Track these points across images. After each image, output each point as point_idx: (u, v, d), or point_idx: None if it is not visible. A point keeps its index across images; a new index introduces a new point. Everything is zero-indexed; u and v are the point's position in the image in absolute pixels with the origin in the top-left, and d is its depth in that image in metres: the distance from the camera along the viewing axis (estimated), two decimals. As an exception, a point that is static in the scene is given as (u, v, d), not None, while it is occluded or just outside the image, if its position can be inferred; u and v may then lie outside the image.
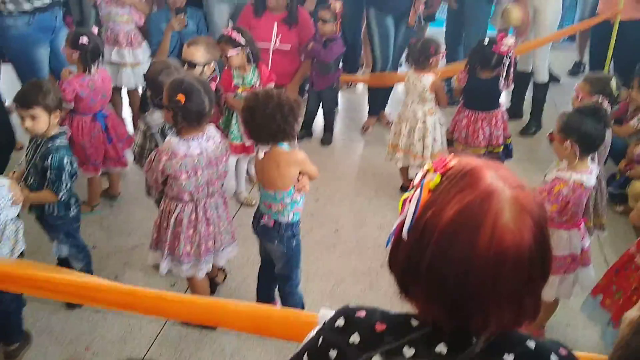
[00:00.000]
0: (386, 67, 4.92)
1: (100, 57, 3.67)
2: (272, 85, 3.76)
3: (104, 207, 3.99)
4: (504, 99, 4.03)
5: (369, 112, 5.30)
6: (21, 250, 2.66)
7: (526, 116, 5.23)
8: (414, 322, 0.99)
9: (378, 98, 5.25)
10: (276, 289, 3.00)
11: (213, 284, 3.19)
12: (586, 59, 5.94)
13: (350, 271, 3.42)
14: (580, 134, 2.52)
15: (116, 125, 3.87)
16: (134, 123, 4.85)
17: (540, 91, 5.07)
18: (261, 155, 2.56)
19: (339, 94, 5.27)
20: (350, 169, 4.64)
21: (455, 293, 0.89)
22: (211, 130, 2.70)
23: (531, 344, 0.97)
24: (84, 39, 3.48)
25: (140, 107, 4.80)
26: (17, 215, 2.63)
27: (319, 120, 5.07)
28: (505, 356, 0.94)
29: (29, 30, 3.92)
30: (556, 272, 2.67)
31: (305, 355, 1.05)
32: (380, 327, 1.00)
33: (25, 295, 2.75)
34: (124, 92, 4.90)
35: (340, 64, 4.92)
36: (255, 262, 3.05)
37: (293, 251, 2.77)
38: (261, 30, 4.29)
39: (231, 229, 2.94)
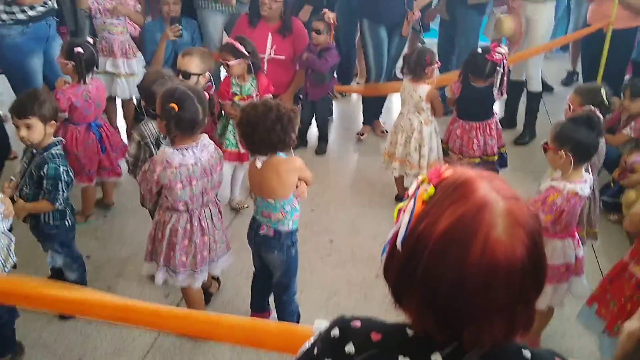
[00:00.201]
0: (380, 78, 4.94)
1: (95, 67, 3.68)
2: (269, 96, 3.77)
3: (98, 217, 3.98)
4: (498, 108, 4.05)
5: (363, 122, 5.31)
6: (13, 264, 2.65)
7: (520, 126, 5.25)
8: (410, 332, 0.99)
9: (372, 107, 5.26)
10: (269, 299, 2.99)
11: (207, 294, 3.17)
12: (579, 68, 5.97)
13: (345, 281, 3.41)
14: (575, 143, 2.54)
15: (110, 135, 3.86)
16: (128, 133, 4.84)
17: (534, 101, 5.09)
18: (259, 164, 2.56)
19: (333, 104, 5.28)
20: (344, 178, 4.65)
21: (447, 305, 0.89)
22: (205, 140, 2.70)
23: (527, 354, 0.97)
24: (78, 49, 3.49)
25: (135, 117, 4.81)
26: (9, 229, 2.61)
27: (313, 130, 5.08)
28: None
29: (23, 40, 3.92)
30: (550, 281, 2.67)
31: None
32: (375, 337, 1.00)
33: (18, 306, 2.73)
34: (118, 102, 4.89)
35: (335, 74, 4.94)
36: (249, 273, 3.04)
37: (293, 259, 2.77)
38: (256, 40, 4.28)
39: (226, 239, 2.93)
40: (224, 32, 5.07)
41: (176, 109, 2.49)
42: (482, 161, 3.89)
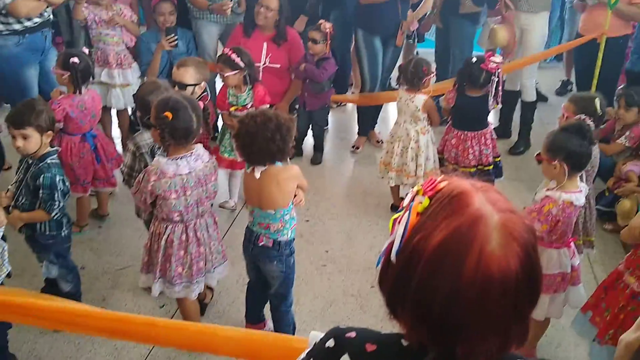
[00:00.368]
0: (375, 88, 4.96)
1: (91, 77, 3.68)
2: (265, 106, 3.78)
3: (93, 227, 3.96)
4: (492, 118, 4.07)
5: (358, 132, 5.32)
6: (7, 272, 2.63)
7: (514, 135, 5.27)
8: (405, 343, 0.98)
9: (367, 117, 5.28)
10: (264, 310, 2.98)
11: (202, 304, 3.16)
12: (573, 78, 6.00)
13: (340, 292, 3.40)
14: (567, 152, 2.55)
15: (105, 145, 3.85)
16: (123, 144, 4.84)
17: (528, 110, 5.11)
18: (257, 175, 2.56)
19: (329, 114, 5.28)
20: (340, 188, 4.65)
21: (441, 317, 0.88)
22: (199, 149, 2.70)
23: (522, 365, 0.97)
24: (74, 60, 3.48)
25: (130, 128, 4.80)
26: (3, 238, 2.60)
27: (308, 140, 5.08)
28: None
29: (18, 51, 3.92)
30: (546, 291, 2.67)
31: None
32: (370, 347, 0.99)
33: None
34: (113, 113, 4.89)
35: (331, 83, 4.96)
36: (244, 283, 3.03)
37: (291, 269, 2.78)
38: (251, 49, 4.30)
39: (222, 249, 2.93)
40: (219, 42, 5.09)
41: (170, 117, 2.49)
42: (478, 171, 3.90)
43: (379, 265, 0.98)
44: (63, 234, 2.98)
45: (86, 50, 3.73)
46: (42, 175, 2.80)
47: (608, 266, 3.48)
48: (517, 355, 0.98)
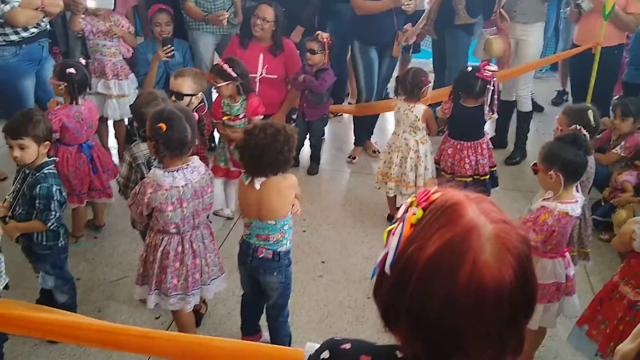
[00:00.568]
0: (371, 98, 4.97)
1: (88, 88, 3.68)
2: (259, 118, 3.79)
3: (88, 238, 3.95)
4: (489, 128, 4.08)
5: (355, 143, 5.33)
6: (5, 283, 2.62)
7: (510, 145, 5.28)
8: (399, 354, 0.98)
9: (364, 127, 5.29)
10: (259, 321, 2.97)
11: (197, 315, 3.15)
12: (569, 88, 6.03)
13: (337, 303, 3.39)
14: (563, 162, 2.56)
15: (101, 155, 3.85)
16: (119, 154, 4.84)
17: (524, 120, 5.13)
18: (258, 186, 2.56)
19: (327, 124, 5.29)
20: (336, 198, 4.64)
21: (435, 329, 0.88)
22: (195, 161, 2.70)
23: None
24: (70, 70, 3.49)
25: (126, 139, 4.80)
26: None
27: (305, 150, 5.09)
28: None
29: (15, 61, 3.92)
30: (540, 300, 2.67)
31: None
32: (365, 359, 0.99)
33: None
34: (110, 123, 4.89)
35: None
36: (240, 295, 3.02)
37: (290, 279, 2.79)
38: (247, 60, 4.32)
39: (218, 261, 2.92)
40: (215, 53, 5.10)
41: (164, 129, 2.50)
42: (474, 180, 3.90)
43: (374, 278, 0.98)
44: (60, 244, 2.97)
45: (83, 61, 3.73)
46: (39, 186, 2.80)
47: (605, 276, 3.48)
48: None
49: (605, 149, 4.24)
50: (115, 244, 3.90)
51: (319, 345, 1.07)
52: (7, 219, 2.89)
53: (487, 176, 3.94)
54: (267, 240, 2.66)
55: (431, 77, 4.09)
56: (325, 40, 4.51)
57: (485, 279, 0.85)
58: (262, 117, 3.88)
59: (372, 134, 5.40)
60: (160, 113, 2.56)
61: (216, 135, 4.22)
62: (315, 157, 5.03)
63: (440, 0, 4.99)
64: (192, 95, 3.53)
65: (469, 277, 0.85)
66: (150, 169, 2.83)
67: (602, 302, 2.63)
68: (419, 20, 5.07)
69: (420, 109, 3.93)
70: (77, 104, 3.59)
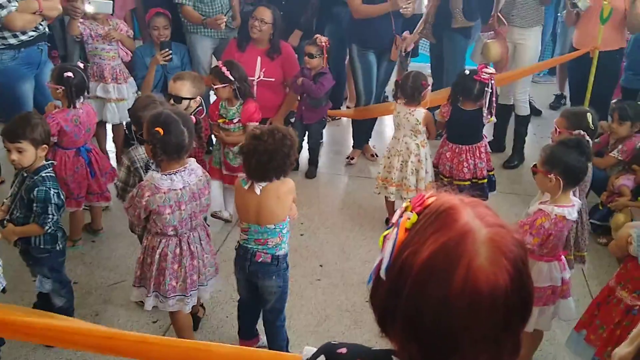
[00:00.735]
0: (370, 102, 4.98)
1: (86, 92, 3.68)
2: (253, 124, 3.78)
3: (86, 242, 3.94)
4: (486, 132, 4.09)
5: (353, 146, 5.33)
6: (2, 287, 2.62)
7: (508, 149, 5.29)
8: (396, 359, 0.98)
9: (362, 131, 5.29)
10: (256, 325, 2.97)
11: (195, 318, 3.14)
12: (567, 91, 6.05)
13: (335, 307, 3.38)
14: (565, 166, 2.56)
15: (99, 159, 3.85)
16: (117, 158, 4.84)
17: (522, 124, 5.14)
18: (258, 191, 2.56)
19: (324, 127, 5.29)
20: (334, 202, 4.64)
21: (431, 334, 0.88)
22: (193, 164, 2.70)
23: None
24: (68, 74, 3.49)
25: (125, 142, 4.80)
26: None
27: (303, 154, 5.09)
28: None
29: (14, 65, 3.92)
30: (536, 303, 2.66)
31: None
32: None
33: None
34: (109, 127, 4.89)
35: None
36: (237, 299, 3.02)
37: (287, 283, 2.79)
38: (245, 64, 4.34)
39: (215, 262, 2.92)
40: (213, 56, 5.10)
41: (162, 133, 2.50)
42: (472, 184, 3.90)
43: (370, 283, 0.98)
44: (58, 247, 2.97)
45: (81, 64, 3.73)
46: (36, 189, 2.80)
47: (603, 280, 3.47)
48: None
49: (603, 153, 4.25)
50: (113, 248, 3.89)
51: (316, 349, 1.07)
52: (4, 222, 2.89)
53: (485, 180, 3.95)
54: (265, 245, 2.66)
55: (429, 80, 4.09)
56: (323, 44, 4.52)
57: (479, 282, 0.85)
58: (257, 123, 3.87)
59: (370, 137, 5.40)
60: (157, 117, 2.56)
61: (214, 137, 4.22)
62: (313, 161, 5.03)
63: (437, 4, 5.01)
64: (190, 98, 3.54)
65: (463, 281, 0.85)
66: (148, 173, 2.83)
67: (600, 307, 2.63)
68: (417, 26, 5.08)
69: (421, 112, 3.93)
70: (75, 107, 3.59)
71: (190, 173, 2.66)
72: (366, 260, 3.80)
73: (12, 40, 3.85)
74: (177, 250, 2.71)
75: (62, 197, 2.91)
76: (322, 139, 5.32)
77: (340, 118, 6.10)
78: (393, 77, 5.20)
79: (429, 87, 4.01)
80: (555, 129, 3.23)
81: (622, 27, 4.63)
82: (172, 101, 3.45)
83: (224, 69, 3.75)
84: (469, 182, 3.91)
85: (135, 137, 3.10)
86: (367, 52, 4.82)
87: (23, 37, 3.90)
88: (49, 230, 2.86)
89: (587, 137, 3.03)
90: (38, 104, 4.08)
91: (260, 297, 2.80)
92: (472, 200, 0.94)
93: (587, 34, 4.67)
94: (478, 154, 3.90)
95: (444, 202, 0.93)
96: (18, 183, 2.91)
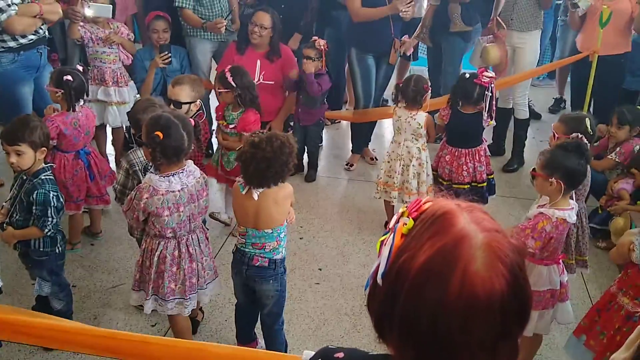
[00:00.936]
0: (369, 105, 4.98)
1: (85, 95, 3.68)
2: (247, 134, 3.76)
3: (85, 245, 3.93)
4: (486, 136, 4.09)
5: (352, 150, 5.33)
6: (-2, 289, 2.63)
7: (508, 153, 5.29)
8: None
9: (361, 135, 5.29)
10: (254, 329, 2.97)
11: (194, 322, 3.14)
12: (567, 95, 6.05)
13: (334, 311, 3.38)
14: (565, 170, 2.56)
15: (99, 162, 3.85)
16: (116, 161, 4.83)
17: (521, 128, 5.14)
18: (256, 196, 2.56)
19: (323, 131, 5.30)
20: (334, 206, 4.64)
21: (427, 339, 0.88)
22: (191, 166, 2.70)
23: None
24: (67, 77, 3.49)
25: (124, 146, 4.80)
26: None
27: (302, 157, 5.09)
28: None
29: (13, 68, 3.92)
30: (535, 307, 2.67)
31: None
32: None
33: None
34: (109, 130, 4.89)
35: (325, 100, 4.97)
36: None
37: (285, 287, 2.79)
38: (244, 67, 4.34)
39: (213, 265, 2.92)
40: (213, 60, 5.11)
41: (161, 137, 2.50)
42: (471, 188, 3.90)
43: (367, 289, 0.98)
44: (57, 250, 2.97)
45: (80, 67, 3.73)
46: (36, 192, 2.80)
47: (602, 285, 3.48)
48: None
49: (602, 156, 4.25)
50: (111, 251, 3.89)
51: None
52: (4, 225, 2.89)
53: (485, 183, 3.95)
54: (262, 249, 2.66)
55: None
56: (322, 47, 4.52)
57: (476, 287, 0.85)
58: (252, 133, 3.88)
59: (369, 141, 5.40)
60: (156, 120, 2.56)
61: (214, 141, 4.22)
62: (312, 164, 5.03)
63: (434, 8, 5.02)
64: (190, 103, 3.54)
65: (460, 286, 0.85)
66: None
67: (600, 313, 2.63)
68: (416, 30, 5.08)
69: (422, 116, 3.92)
70: (74, 110, 3.59)
71: (188, 175, 2.66)
72: (365, 264, 3.80)
73: (12, 44, 3.85)
74: (176, 253, 2.71)
75: (61, 199, 2.91)
76: (321, 142, 5.32)
77: (339, 121, 6.10)
78: (392, 81, 5.20)
79: (429, 91, 4.01)
80: (554, 134, 3.23)
81: (627, 31, 4.63)
82: (172, 106, 3.45)
83: (228, 74, 3.76)
84: (468, 186, 3.91)
85: (133, 139, 3.10)
86: (366, 56, 4.83)
87: (23, 41, 3.90)
88: (49, 233, 2.86)
89: (586, 140, 3.03)
90: (38, 106, 4.08)
91: (258, 301, 2.80)
92: (468, 205, 0.94)
93: (592, 37, 4.63)
94: (477, 158, 3.90)
95: (440, 207, 0.92)
96: (17, 186, 2.91)
